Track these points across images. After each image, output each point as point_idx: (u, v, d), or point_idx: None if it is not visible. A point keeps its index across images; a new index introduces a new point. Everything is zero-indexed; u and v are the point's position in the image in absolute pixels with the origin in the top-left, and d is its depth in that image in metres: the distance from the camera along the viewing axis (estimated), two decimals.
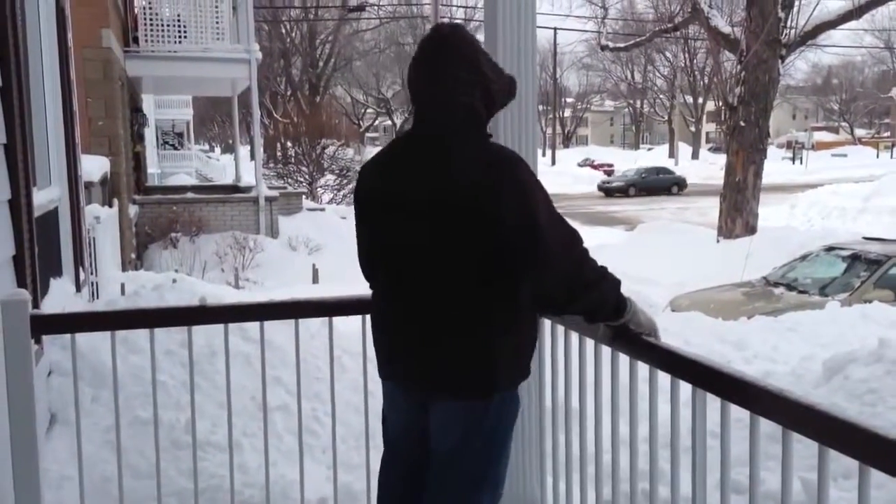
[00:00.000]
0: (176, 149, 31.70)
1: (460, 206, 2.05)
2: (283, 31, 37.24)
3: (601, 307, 2.23)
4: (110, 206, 10.25)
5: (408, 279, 2.20)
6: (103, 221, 7.65)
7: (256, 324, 2.90)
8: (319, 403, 3.89)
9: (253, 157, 16.10)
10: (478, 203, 2.04)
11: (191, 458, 2.84)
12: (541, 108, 52.63)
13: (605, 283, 2.18)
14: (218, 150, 64.84)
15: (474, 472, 2.26)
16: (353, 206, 2.46)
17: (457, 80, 2.12)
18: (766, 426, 1.96)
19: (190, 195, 15.39)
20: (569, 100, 68.41)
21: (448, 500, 2.28)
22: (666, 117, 58.78)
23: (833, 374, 3.52)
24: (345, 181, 22.34)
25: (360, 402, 3.09)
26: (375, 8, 40.01)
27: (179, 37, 14.21)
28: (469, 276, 2.12)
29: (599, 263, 2.19)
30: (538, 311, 2.36)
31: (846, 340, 5.40)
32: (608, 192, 36.96)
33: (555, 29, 40.86)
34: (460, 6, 49.58)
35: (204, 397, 3.64)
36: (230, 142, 41.34)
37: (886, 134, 67.01)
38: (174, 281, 5.63)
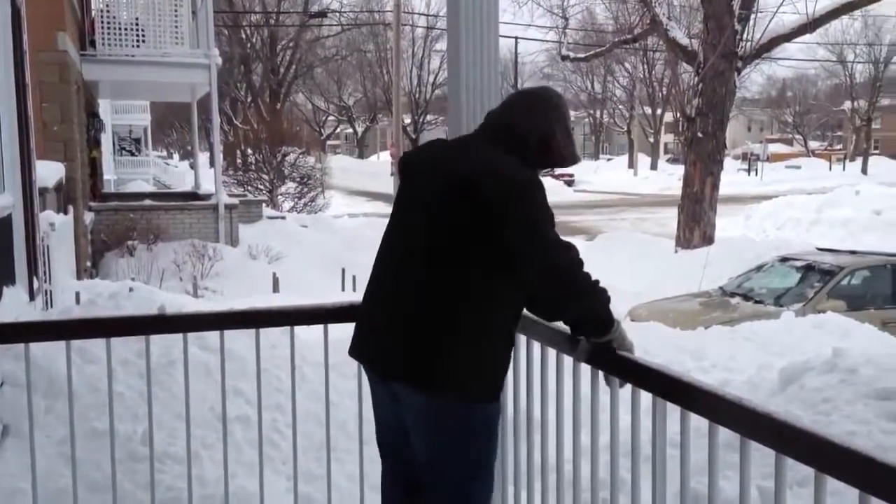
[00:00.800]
0: (133, 155, 31.24)
1: (468, 198, 2.20)
2: (244, 36, 36.94)
3: (589, 319, 2.29)
4: (65, 212, 10.06)
5: (403, 260, 2.34)
6: (58, 228, 7.50)
7: (216, 333, 2.87)
8: (280, 414, 3.86)
9: (212, 163, 15.95)
10: (485, 197, 2.18)
11: (148, 470, 2.79)
12: None
13: (595, 294, 2.25)
14: (176, 156, 64.06)
15: (451, 479, 2.33)
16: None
17: (527, 113, 2.38)
18: (725, 434, 1.99)
19: (147, 202, 15.16)
20: None
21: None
22: (625, 128, 59.44)
23: (788, 383, 3.58)
24: (305, 189, 22.21)
25: (321, 412, 3.07)
26: (337, 14, 39.93)
27: (137, 41, 14.02)
28: (457, 272, 2.23)
29: (593, 277, 2.27)
30: (535, 312, 2.41)
31: (801, 350, 5.50)
32: None
33: (516, 38, 41.13)
34: (423, 14, 49.75)
35: (162, 408, 3.58)
36: (189, 148, 40.92)
37: (839, 146, 68.58)
38: (131, 289, 5.54)
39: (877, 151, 61.62)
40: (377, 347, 2.36)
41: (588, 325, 2.31)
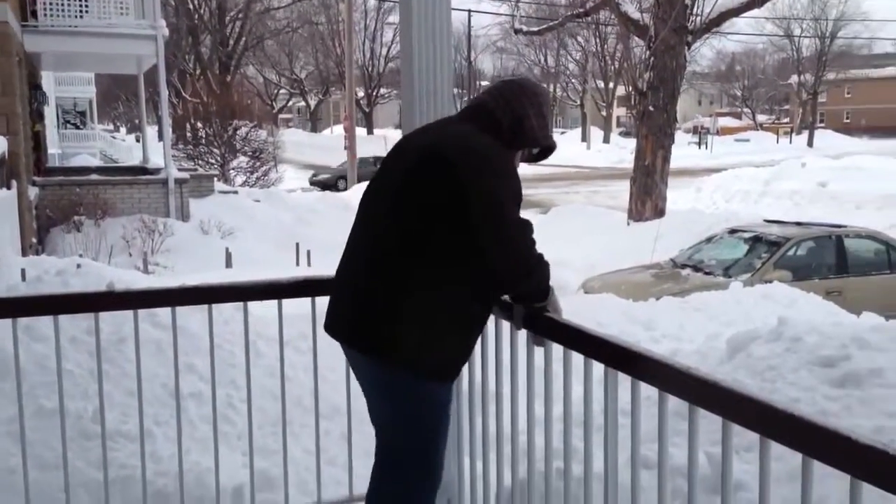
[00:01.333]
0: (78, 128, 30.45)
1: (435, 170, 2.26)
2: (191, 6, 36.08)
3: (536, 290, 2.40)
4: (8, 187, 9.80)
5: (368, 236, 2.41)
6: (0, 204, 7.31)
7: (167, 309, 2.83)
8: (234, 390, 3.84)
9: (161, 137, 15.63)
10: (451, 170, 2.24)
11: (100, 448, 2.76)
12: (456, 90, 52.77)
13: (542, 269, 2.35)
14: (123, 130, 62.66)
15: (401, 447, 2.42)
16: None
17: (500, 96, 2.44)
18: (674, 403, 2.04)
19: (94, 177, 14.83)
20: (484, 83, 68.77)
21: (382, 478, 2.49)
22: (578, 101, 59.71)
23: (736, 351, 3.67)
24: (258, 163, 21.92)
25: (276, 387, 3.06)
26: None
27: (81, 11, 13.64)
28: (418, 248, 2.27)
29: (538, 251, 2.35)
30: (492, 290, 2.42)
31: (749, 319, 5.63)
32: (320, 185, 30.40)
33: (469, 11, 40.96)
34: None
35: (113, 386, 3.53)
36: (136, 122, 39.99)
37: (786, 120, 69.83)
38: (79, 266, 5.43)
39: (822, 125, 62.95)
40: (342, 318, 2.42)
41: (533, 297, 2.42)
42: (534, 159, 2.60)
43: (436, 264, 2.27)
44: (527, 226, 2.30)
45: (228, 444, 3.44)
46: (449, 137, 2.35)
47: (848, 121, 69.10)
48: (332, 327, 2.46)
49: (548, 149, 2.53)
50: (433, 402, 2.40)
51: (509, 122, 2.40)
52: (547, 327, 2.45)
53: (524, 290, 2.41)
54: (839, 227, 10.14)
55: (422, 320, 2.27)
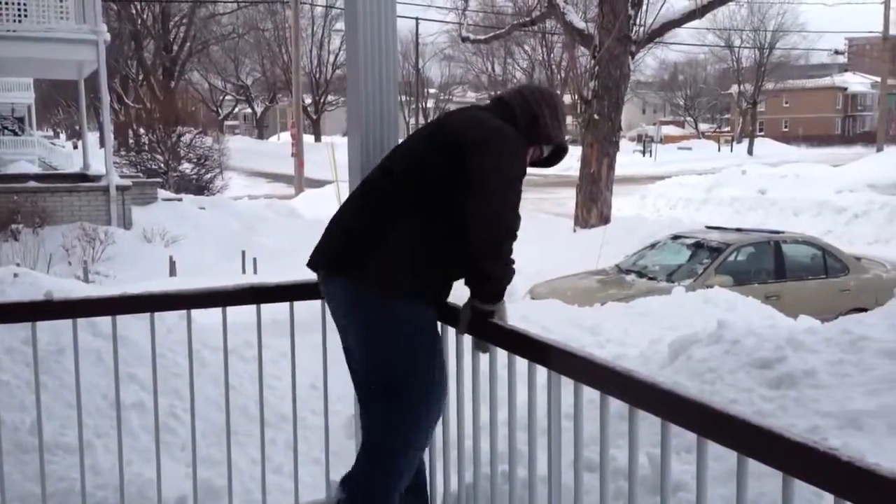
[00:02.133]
0: (16, 134, 29.67)
1: (444, 136, 2.42)
2: (134, 11, 35.48)
3: (495, 283, 2.39)
4: None
5: (369, 180, 2.56)
6: None
7: (108, 319, 2.78)
8: (178, 399, 3.78)
9: (102, 144, 15.31)
10: (460, 136, 2.37)
11: (37, 461, 2.70)
12: (403, 98, 52.73)
13: (510, 265, 2.39)
14: (63, 136, 61.21)
15: (381, 379, 2.42)
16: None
17: (519, 95, 2.60)
18: (618, 406, 2.07)
19: (33, 184, 14.45)
20: (431, 90, 68.98)
21: (369, 414, 2.50)
22: None
23: (677, 354, 3.75)
24: (203, 170, 21.63)
25: (221, 396, 3.03)
26: None
27: (19, 15, 13.31)
28: (406, 188, 2.40)
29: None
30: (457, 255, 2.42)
31: (690, 323, 5.74)
32: None
33: (416, 19, 41.03)
34: None
35: (51, 397, 3.46)
36: (77, 128, 39.11)
37: (727, 129, 71.41)
38: (15, 275, 5.30)
39: (762, 133, 64.52)
40: (326, 249, 2.52)
41: (490, 288, 2.39)
42: (545, 164, 2.71)
43: (423, 214, 2.37)
44: (517, 213, 2.36)
45: (171, 455, 3.39)
46: (465, 115, 2.54)
47: (786, 129, 70.99)
48: (314, 260, 2.54)
49: (560, 150, 2.66)
50: (409, 321, 2.40)
51: (526, 118, 2.54)
52: (492, 333, 2.47)
53: (484, 274, 2.36)
54: (777, 233, 10.40)
55: (395, 247, 2.37)
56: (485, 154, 2.30)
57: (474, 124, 2.43)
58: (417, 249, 2.38)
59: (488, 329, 2.46)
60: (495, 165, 2.30)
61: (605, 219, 15.91)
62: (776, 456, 1.58)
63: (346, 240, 2.47)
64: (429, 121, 2.76)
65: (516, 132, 2.44)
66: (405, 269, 2.38)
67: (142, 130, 21.94)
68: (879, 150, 32.18)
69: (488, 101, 2.71)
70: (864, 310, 6.38)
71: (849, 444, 2.55)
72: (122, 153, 21.49)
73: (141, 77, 36.56)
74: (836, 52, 57.63)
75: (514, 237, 2.35)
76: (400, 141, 2.76)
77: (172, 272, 11.44)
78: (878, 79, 40.00)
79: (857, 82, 73.71)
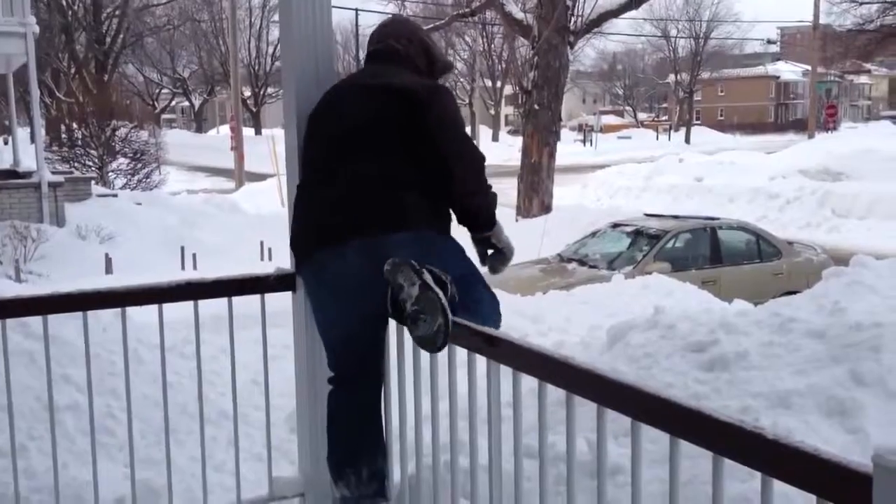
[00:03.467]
0: None
1: (392, 96, 2.54)
2: (64, 3, 34.43)
3: (486, 210, 2.64)
4: None
5: (340, 165, 2.62)
6: None
7: (40, 319, 2.71)
8: (114, 399, 3.71)
9: (33, 139, 14.87)
10: (409, 95, 2.51)
11: None
12: None
13: (491, 190, 2.62)
14: None
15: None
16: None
17: (400, 38, 2.77)
18: (558, 393, 2.10)
19: None
20: None
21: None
22: (467, 100, 60.34)
23: (615, 340, 3.81)
24: (139, 165, 21.16)
25: (159, 394, 2.97)
26: None
27: None
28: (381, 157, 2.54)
29: None
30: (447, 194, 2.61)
31: (629, 310, 5.84)
32: None
33: (356, 10, 40.68)
34: None
35: None
36: (6, 123, 37.83)
37: (665, 118, 72.68)
38: None
39: (698, 122, 65.79)
40: (328, 226, 2.55)
41: (484, 217, 2.66)
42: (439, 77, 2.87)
43: (411, 167, 2.51)
44: (478, 150, 2.57)
45: (109, 456, 3.33)
46: (399, 77, 2.61)
47: (722, 118, 72.56)
48: (319, 240, 2.56)
49: (448, 67, 2.88)
50: (447, 247, 2.63)
51: (423, 58, 2.74)
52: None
53: (476, 207, 2.61)
54: (713, 219, 10.64)
55: (414, 200, 2.51)
56: (437, 109, 2.50)
57: (419, 87, 2.55)
58: (426, 197, 2.55)
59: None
60: (450, 116, 2.54)
61: (546, 208, 16.06)
62: (705, 436, 1.63)
63: (360, 206, 2.52)
64: (343, 91, 2.74)
65: (441, 84, 2.70)
66: (423, 207, 2.55)
67: (74, 125, 21.35)
68: (811, 137, 33.09)
69: (376, 53, 2.80)
70: (797, 293, 6.56)
71: (778, 423, 2.64)
72: (55, 149, 20.88)
73: (73, 70, 35.54)
74: (769, 42, 58.97)
75: (483, 165, 2.60)
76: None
77: (109, 270, 11.19)
78: (809, 67, 41.10)
79: (789, 71, 75.67)
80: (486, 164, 2.60)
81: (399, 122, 2.51)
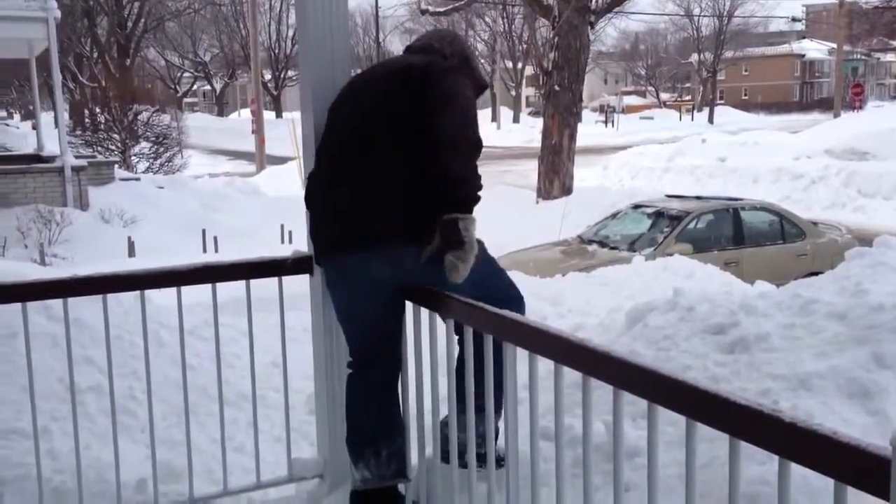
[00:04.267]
0: None
1: (401, 78, 2.56)
2: None
3: (468, 187, 2.47)
4: None
5: (350, 149, 2.64)
6: None
7: (60, 301, 2.74)
8: (136, 381, 3.74)
9: (56, 124, 14.99)
10: (418, 74, 2.52)
11: None
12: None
13: (478, 177, 2.50)
14: (17, 116, 59.76)
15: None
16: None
17: (441, 41, 2.84)
18: (575, 376, 2.08)
19: None
20: None
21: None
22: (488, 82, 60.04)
23: (634, 322, 3.79)
24: (161, 149, 21.28)
25: (180, 377, 3.00)
26: None
27: None
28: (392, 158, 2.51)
29: None
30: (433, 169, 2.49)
31: (649, 291, 5.80)
32: None
33: None
34: None
35: (5, 382, 3.41)
36: (31, 108, 38.12)
37: (688, 98, 71.92)
38: None
39: (722, 102, 65.10)
40: (346, 234, 2.57)
41: (463, 190, 2.45)
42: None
43: (411, 159, 2.46)
44: (477, 131, 2.49)
45: (130, 437, 3.37)
46: (413, 59, 2.67)
47: (745, 97, 71.72)
48: (342, 246, 2.58)
49: (483, 86, 2.83)
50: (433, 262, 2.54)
51: (457, 58, 2.75)
52: (449, 306, 2.48)
53: (458, 172, 2.43)
54: (736, 200, 10.53)
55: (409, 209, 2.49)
56: (444, 87, 2.47)
57: (428, 64, 2.56)
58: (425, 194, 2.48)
59: (442, 302, 2.47)
60: (457, 95, 2.48)
61: (567, 190, 15.98)
62: (723, 419, 1.61)
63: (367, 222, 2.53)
64: (362, 80, 2.77)
65: (452, 65, 2.67)
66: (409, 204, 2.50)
67: (97, 109, 21.49)
68: (836, 116, 32.65)
69: (413, 47, 2.87)
70: (821, 273, 6.49)
71: (798, 405, 2.61)
72: (78, 133, 21.05)
73: (95, 55, 35.75)
74: (794, 20, 58.20)
75: (479, 152, 2.49)
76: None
77: (131, 253, 11.29)
78: (835, 45, 40.48)
79: (814, 49, 74.55)
80: (481, 150, 2.51)
81: (406, 107, 2.48)
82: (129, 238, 11.78)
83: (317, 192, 2.68)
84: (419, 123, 2.44)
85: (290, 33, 54.15)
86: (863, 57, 63.60)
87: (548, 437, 2.78)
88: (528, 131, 46.69)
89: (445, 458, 2.55)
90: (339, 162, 2.61)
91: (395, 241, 2.51)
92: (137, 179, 16.28)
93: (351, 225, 2.56)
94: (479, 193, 2.49)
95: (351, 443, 2.74)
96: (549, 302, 5.94)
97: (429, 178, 2.45)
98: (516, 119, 57.37)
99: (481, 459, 2.45)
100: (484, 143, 2.57)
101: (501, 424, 2.53)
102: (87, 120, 22.44)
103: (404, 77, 2.55)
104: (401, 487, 2.79)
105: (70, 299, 2.74)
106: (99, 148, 19.93)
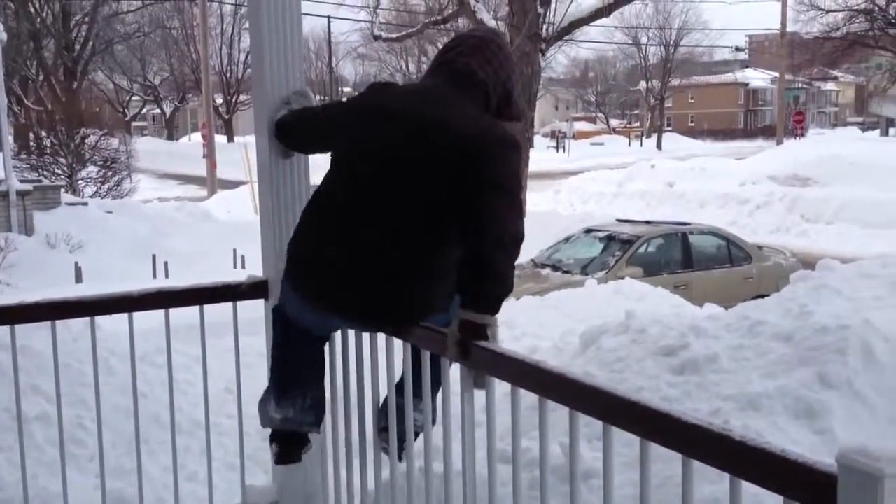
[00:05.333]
0: None
1: (448, 160, 2.20)
2: (33, 10, 34.03)
3: (503, 286, 2.23)
4: None
5: (385, 209, 2.35)
6: None
7: (7, 329, 2.68)
8: (85, 410, 3.67)
9: (0, 148, 14.67)
10: (466, 157, 2.18)
11: None
12: (318, 97, 52.10)
13: (511, 280, 2.24)
14: None
15: None
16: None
17: (488, 65, 2.36)
18: (532, 398, 2.10)
19: None
20: (346, 89, 68.40)
21: None
22: None
23: (588, 345, 3.84)
24: (109, 173, 20.94)
25: (131, 405, 2.95)
26: None
27: None
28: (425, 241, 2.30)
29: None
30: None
31: (601, 314, 5.88)
32: None
33: (328, 18, 40.69)
34: None
35: None
36: None
37: (636, 124, 73.24)
38: None
39: (670, 128, 66.42)
40: (348, 298, 2.38)
41: (500, 289, 2.22)
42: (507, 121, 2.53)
43: (453, 248, 2.26)
44: (522, 226, 2.25)
45: (79, 467, 3.30)
46: (457, 112, 2.26)
47: (692, 124, 73.24)
48: (342, 306, 2.39)
49: (518, 118, 2.53)
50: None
51: (499, 96, 2.38)
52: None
53: (499, 270, 2.19)
54: (685, 224, 10.75)
55: (432, 285, 2.33)
56: (496, 166, 2.19)
57: (484, 148, 2.20)
58: (446, 273, 2.29)
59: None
60: (509, 177, 2.22)
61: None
62: (674, 438, 1.65)
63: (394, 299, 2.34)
64: (414, 121, 2.28)
65: (507, 131, 2.30)
66: (441, 293, 2.34)
67: (43, 133, 21.10)
68: (779, 143, 33.55)
69: (454, 70, 2.36)
70: (767, 296, 6.65)
71: (748, 425, 2.67)
72: (23, 157, 20.62)
73: (41, 78, 35.12)
74: (738, 49, 59.74)
75: (523, 240, 2.24)
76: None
77: (79, 279, 11.06)
78: (777, 74, 41.67)
79: (757, 78, 76.64)
80: (520, 241, 2.23)
81: (450, 180, 2.20)
82: (76, 263, 11.54)
83: (343, 228, 2.35)
84: (463, 204, 2.20)
85: (242, 58, 53.89)
86: (804, 86, 65.56)
87: (505, 459, 2.79)
88: None
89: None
90: (367, 205, 2.31)
91: (397, 318, 2.39)
92: (85, 204, 15.98)
93: (356, 288, 2.34)
94: (510, 287, 2.25)
95: (277, 386, 2.63)
96: (503, 325, 5.94)
97: (466, 266, 2.21)
98: None
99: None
100: None
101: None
102: (32, 143, 22.01)
103: (443, 154, 2.22)
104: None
105: (17, 326, 2.68)
106: (45, 172, 19.54)
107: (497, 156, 2.20)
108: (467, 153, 2.19)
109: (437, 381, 2.42)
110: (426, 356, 2.41)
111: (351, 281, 2.34)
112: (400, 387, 2.56)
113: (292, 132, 2.72)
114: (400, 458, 2.57)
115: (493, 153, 2.20)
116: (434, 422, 2.53)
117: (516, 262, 2.29)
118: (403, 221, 2.28)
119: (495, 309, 2.21)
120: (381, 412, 2.68)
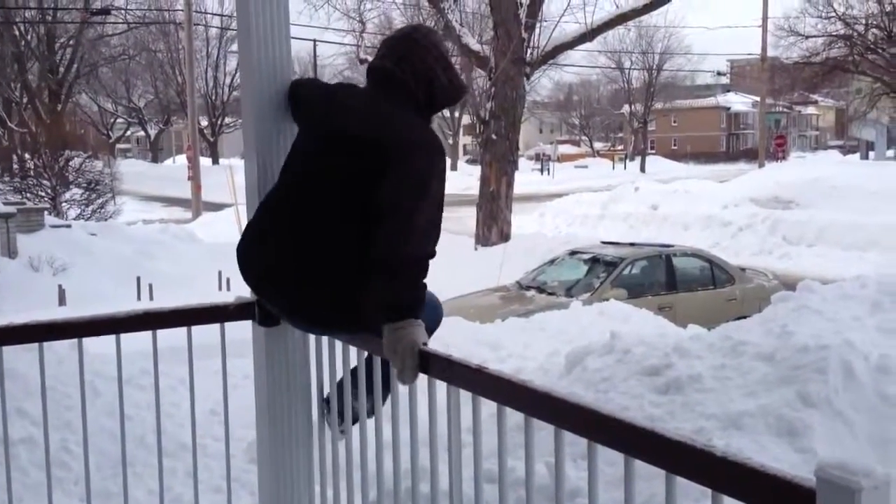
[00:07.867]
0: None
1: (363, 149, 2.29)
2: (17, 33, 34.02)
3: (403, 297, 2.24)
4: None
5: (296, 191, 2.50)
6: None
7: None
8: (70, 433, 3.66)
9: None
10: (382, 152, 2.24)
11: None
12: None
13: (419, 290, 2.25)
14: None
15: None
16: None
17: (404, 61, 2.41)
18: (517, 417, 2.12)
19: None
20: None
21: None
22: None
23: (573, 365, 3.87)
24: (93, 195, 20.88)
25: (117, 427, 2.95)
26: (123, 12, 37.69)
27: None
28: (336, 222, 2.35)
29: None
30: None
31: (586, 335, 5.91)
32: None
33: (314, 41, 40.84)
34: (216, 14, 48.15)
35: None
36: None
37: (620, 147, 73.81)
38: None
39: (653, 151, 66.96)
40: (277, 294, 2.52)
41: (399, 293, 2.24)
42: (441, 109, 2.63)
43: (351, 221, 2.30)
44: (436, 232, 2.26)
45: (64, 490, 3.28)
46: (379, 113, 2.37)
47: (675, 147, 73.90)
48: (270, 299, 2.55)
49: (453, 98, 2.53)
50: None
51: (423, 91, 2.40)
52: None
53: (399, 285, 2.23)
54: (668, 246, 10.84)
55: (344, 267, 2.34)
56: (406, 167, 2.22)
57: (399, 144, 2.27)
58: (357, 255, 2.31)
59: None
60: (419, 179, 2.23)
61: (505, 236, 16.20)
62: (657, 455, 1.67)
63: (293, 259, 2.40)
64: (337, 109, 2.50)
65: (427, 127, 2.38)
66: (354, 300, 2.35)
67: (27, 155, 21.05)
68: (761, 166, 33.88)
69: (375, 74, 2.48)
70: (748, 317, 6.72)
71: (731, 443, 2.71)
72: (6, 179, 20.56)
73: (25, 100, 35.03)
74: (719, 74, 60.38)
75: (432, 256, 2.26)
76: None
77: (62, 301, 11.00)
78: (758, 98, 42.18)
79: (739, 102, 77.48)
80: (431, 260, 2.25)
81: (367, 180, 2.26)
82: (60, 286, 11.48)
83: (259, 227, 2.55)
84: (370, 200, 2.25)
85: (227, 80, 54.01)
86: (785, 110, 66.34)
87: (492, 479, 2.80)
88: (466, 179, 47.13)
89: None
90: (288, 200, 2.48)
91: (320, 319, 2.47)
92: (68, 226, 15.91)
93: (282, 288, 2.48)
94: (421, 299, 2.25)
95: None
96: (488, 347, 6.00)
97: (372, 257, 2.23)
98: (454, 167, 57.90)
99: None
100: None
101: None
102: (15, 166, 21.95)
103: (361, 153, 2.31)
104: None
105: (1, 349, 2.68)
106: (28, 194, 19.47)
107: (406, 156, 2.24)
108: (382, 155, 2.24)
109: (387, 382, 2.44)
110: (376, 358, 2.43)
111: (273, 280, 2.48)
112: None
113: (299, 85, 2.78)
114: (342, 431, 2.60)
115: (402, 153, 2.24)
116: (371, 414, 2.55)
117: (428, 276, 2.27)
118: (319, 223, 2.36)
119: (402, 312, 2.22)
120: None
